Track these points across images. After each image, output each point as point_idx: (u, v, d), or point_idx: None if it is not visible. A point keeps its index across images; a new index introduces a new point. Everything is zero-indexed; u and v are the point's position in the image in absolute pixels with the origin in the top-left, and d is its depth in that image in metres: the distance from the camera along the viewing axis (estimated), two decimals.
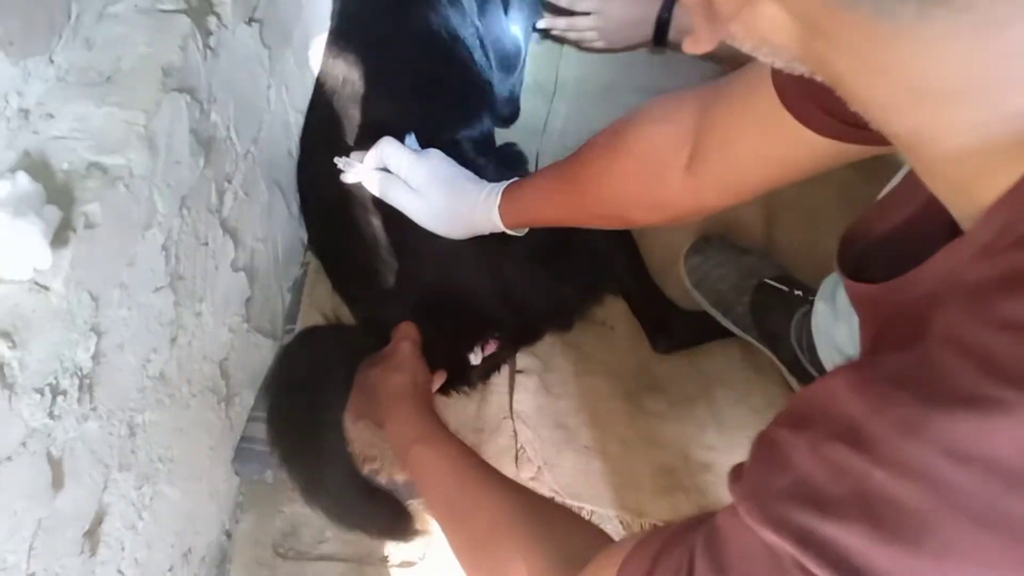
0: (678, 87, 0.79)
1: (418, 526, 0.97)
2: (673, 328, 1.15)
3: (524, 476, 1.06)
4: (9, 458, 0.63)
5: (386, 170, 0.99)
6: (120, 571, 0.84)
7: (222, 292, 0.98)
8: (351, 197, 1.05)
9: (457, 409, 1.11)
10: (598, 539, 0.67)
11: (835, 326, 0.93)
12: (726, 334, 1.14)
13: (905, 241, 0.53)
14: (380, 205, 1.02)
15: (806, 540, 0.37)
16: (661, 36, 1.30)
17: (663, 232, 1.21)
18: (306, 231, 1.22)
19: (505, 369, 1.13)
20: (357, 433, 1.02)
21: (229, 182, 0.96)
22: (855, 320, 0.55)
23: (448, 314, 1.05)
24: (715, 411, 1.09)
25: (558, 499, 1.04)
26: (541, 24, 1.35)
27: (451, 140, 1.10)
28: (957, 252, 0.39)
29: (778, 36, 0.38)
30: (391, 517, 0.96)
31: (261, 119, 1.04)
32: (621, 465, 1.06)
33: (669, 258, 1.20)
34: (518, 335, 1.12)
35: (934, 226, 0.47)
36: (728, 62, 0.99)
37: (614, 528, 1.04)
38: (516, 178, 0.95)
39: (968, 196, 0.38)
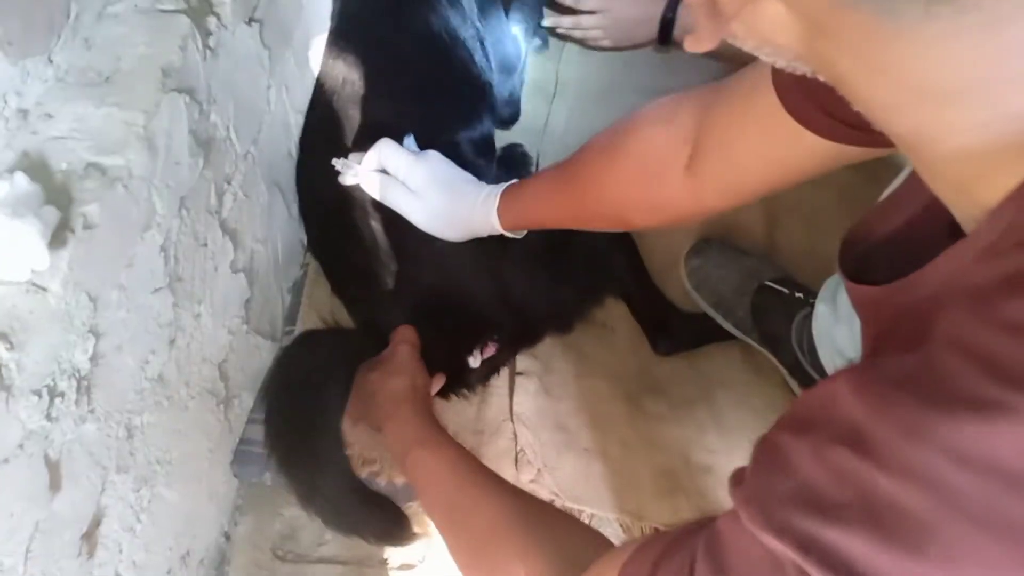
0: (679, 88, 0.79)
1: (417, 529, 0.97)
2: (673, 330, 1.14)
3: (524, 478, 1.05)
4: (6, 460, 0.63)
5: (384, 172, 0.99)
6: (118, 574, 0.84)
7: (221, 293, 0.98)
8: (350, 199, 1.05)
9: (457, 411, 1.11)
10: (597, 543, 0.66)
11: (836, 328, 0.93)
12: (727, 336, 1.14)
13: (907, 243, 0.53)
14: (379, 207, 1.02)
15: (808, 545, 0.36)
16: (665, 35, 1.30)
17: (663, 234, 1.21)
18: (305, 233, 1.21)
19: (505, 371, 1.13)
20: (356, 436, 1.02)
21: (229, 183, 0.95)
22: (856, 322, 0.54)
23: (447, 316, 1.05)
24: (716, 413, 1.09)
25: (558, 501, 1.04)
26: (546, 23, 1.36)
27: (450, 141, 1.09)
28: (960, 254, 0.39)
29: (780, 35, 0.38)
30: (388, 522, 0.95)
31: (261, 120, 1.04)
32: (621, 467, 1.06)
33: (669, 260, 1.19)
34: (517, 337, 1.12)
35: (936, 228, 0.47)
36: (731, 61, 0.99)
37: (614, 531, 1.03)
38: (515, 180, 0.94)
39: (971, 197, 0.38)
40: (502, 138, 1.31)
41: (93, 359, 0.72)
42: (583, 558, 0.61)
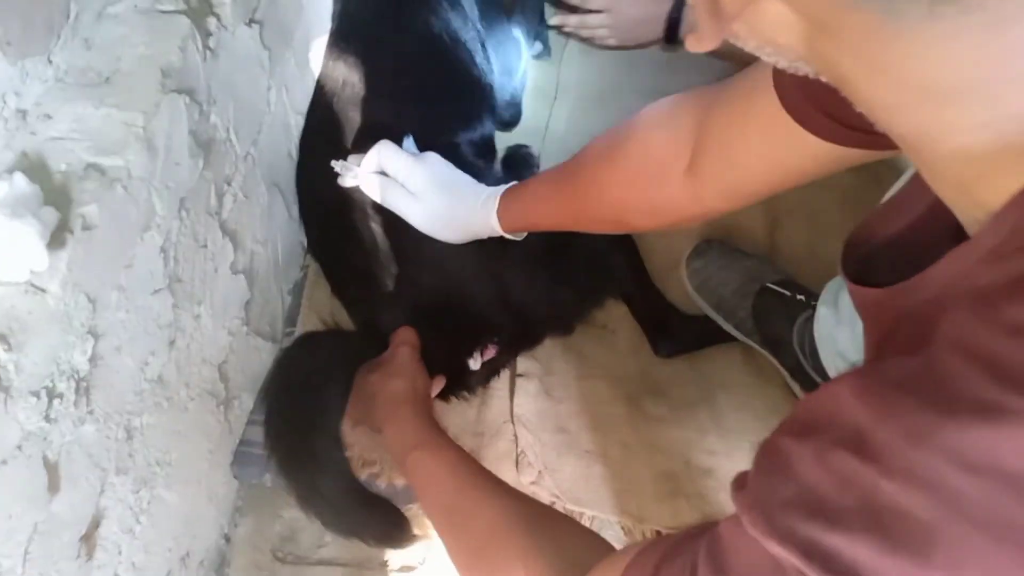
0: (679, 90, 0.78)
1: (417, 531, 0.97)
2: (674, 332, 1.14)
3: (525, 480, 1.05)
4: (4, 462, 0.63)
5: (384, 173, 0.99)
6: (117, 575, 0.83)
7: (221, 295, 0.98)
8: (350, 200, 1.04)
9: (457, 413, 1.11)
10: (598, 547, 0.66)
11: (838, 331, 0.93)
12: (728, 338, 1.13)
13: (910, 245, 0.53)
14: (379, 209, 1.02)
15: (812, 551, 0.36)
16: (672, 34, 1.29)
17: (664, 235, 1.20)
18: (305, 234, 1.21)
19: (505, 373, 1.13)
20: (356, 437, 1.02)
21: (229, 184, 0.95)
22: (858, 325, 0.54)
23: (447, 318, 1.05)
24: (717, 416, 1.08)
25: (559, 504, 1.04)
26: (553, 21, 1.35)
27: (450, 143, 1.09)
28: (964, 256, 0.39)
29: (782, 35, 0.38)
30: (388, 524, 0.95)
31: (261, 121, 1.03)
32: (622, 470, 1.05)
33: (670, 262, 1.19)
34: (518, 339, 1.11)
35: (939, 230, 0.47)
36: (734, 59, 0.99)
37: (615, 534, 1.03)
38: (514, 182, 0.94)
39: (974, 199, 0.37)
40: (507, 139, 1.31)
41: (92, 360, 0.72)
42: (583, 561, 0.61)
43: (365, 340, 1.08)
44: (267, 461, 0.98)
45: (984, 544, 0.32)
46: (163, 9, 0.82)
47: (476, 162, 1.11)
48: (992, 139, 0.34)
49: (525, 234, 0.97)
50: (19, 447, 0.64)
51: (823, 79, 0.40)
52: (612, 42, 1.34)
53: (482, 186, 0.96)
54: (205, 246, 0.91)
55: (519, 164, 1.27)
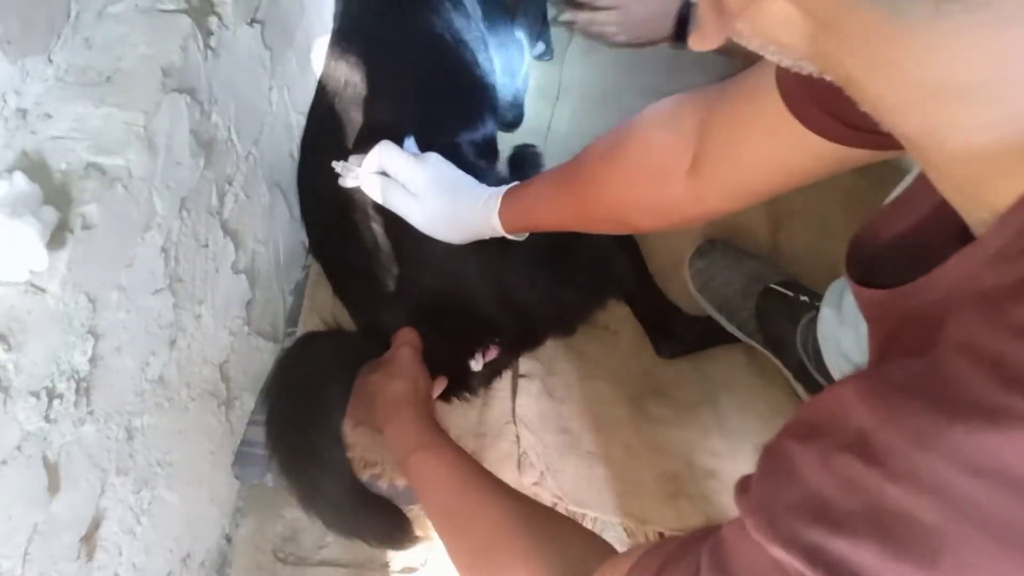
0: (681, 90, 0.78)
1: (419, 533, 0.96)
2: (677, 333, 1.14)
3: (527, 481, 1.05)
4: (4, 462, 0.63)
5: (385, 174, 0.98)
6: None
7: (222, 295, 0.97)
8: (351, 201, 1.04)
9: (459, 414, 1.10)
10: (600, 549, 0.66)
11: (841, 332, 0.92)
12: (731, 339, 1.13)
13: (914, 246, 0.52)
14: (381, 209, 1.01)
15: (816, 557, 0.36)
16: (681, 32, 1.29)
17: (667, 236, 1.20)
18: (307, 234, 1.21)
19: (507, 374, 1.13)
20: (357, 438, 1.01)
21: (230, 184, 0.95)
22: (862, 326, 0.54)
23: (448, 319, 1.05)
24: (720, 417, 1.08)
25: (561, 505, 1.04)
26: (563, 18, 1.35)
27: (452, 143, 1.09)
28: (970, 257, 0.38)
29: (786, 34, 0.37)
30: (390, 525, 0.95)
31: (263, 120, 1.03)
32: (625, 471, 1.05)
33: (673, 262, 1.19)
34: (520, 340, 1.11)
35: (944, 231, 0.46)
36: (738, 56, 0.98)
37: (617, 535, 1.03)
38: (516, 182, 0.94)
39: (981, 199, 0.37)
40: (511, 139, 1.30)
41: (92, 360, 0.72)
42: (585, 563, 0.61)
43: (366, 341, 1.08)
44: (268, 461, 0.97)
45: (990, 548, 0.32)
46: (164, 8, 0.82)
47: (478, 162, 1.11)
48: (998, 139, 0.34)
49: (527, 234, 0.97)
50: (19, 447, 0.64)
51: (827, 78, 0.40)
52: (621, 39, 1.34)
53: (483, 186, 0.96)
54: (206, 246, 0.91)
55: (526, 163, 1.27)
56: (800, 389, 1.06)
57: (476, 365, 1.06)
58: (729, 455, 1.05)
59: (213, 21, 0.86)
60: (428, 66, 1.14)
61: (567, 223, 0.90)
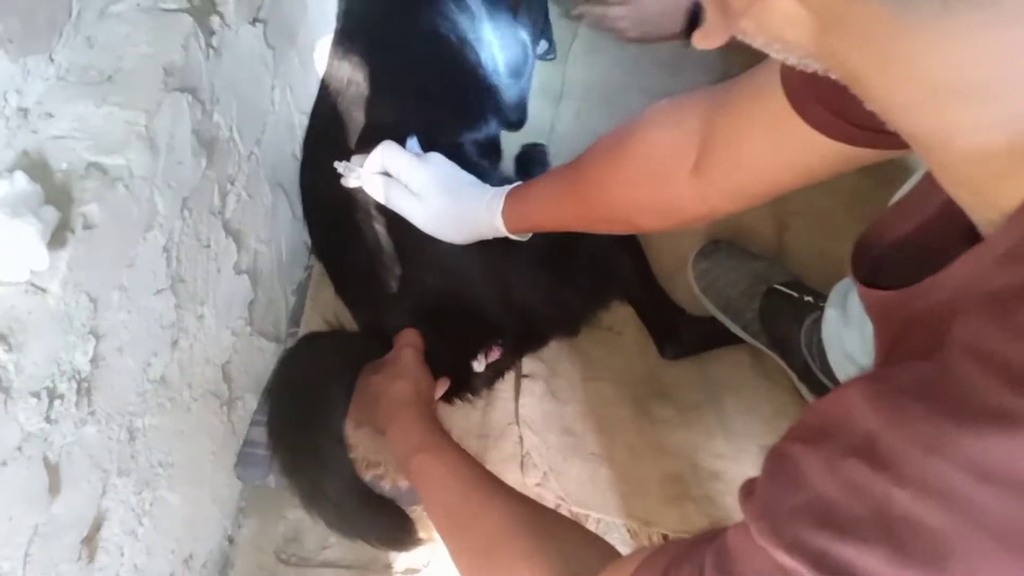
0: (685, 90, 0.77)
1: (422, 535, 0.96)
2: (681, 334, 1.13)
3: (530, 482, 1.05)
4: (4, 463, 0.62)
5: (387, 174, 0.98)
6: None
7: (224, 295, 0.97)
8: (354, 201, 1.04)
9: (461, 415, 1.10)
10: (604, 552, 0.65)
11: (846, 333, 0.92)
12: (735, 340, 1.12)
13: (920, 247, 0.52)
14: (383, 209, 1.01)
15: (822, 562, 0.35)
16: (693, 28, 1.29)
17: (671, 236, 1.20)
18: (309, 234, 1.21)
19: (510, 375, 1.12)
20: (359, 439, 1.01)
21: (232, 183, 0.95)
22: (867, 327, 0.53)
23: (451, 320, 1.04)
24: (724, 418, 1.07)
25: (564, 506, 1.03)
26: (576, 12, 1.35)
27: (454, 143, 1.09)
28: (977, 259, 0.38)
29: (791, 31, 0.37)
30: (392, 526, 0.95)
31: (265, 120, 1.03)
32: (628, 472, 1.05)
33: (677, 263, 1.18)
34: (522, 341, 1.11)
35: (951, 232, 0.46)
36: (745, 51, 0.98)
37: (621, 537, 1.02)
38: (519, 182, 0.94)
39: (988, 199, 0.37)
40: (516, 139, 1.30)
41: (93, 361, 0.72)
42: (588, 565, 0.60)
43: (369, 341, 1.08)
44: (271, 462, 0.97)
45: (1000, 555, 0.31)
46: (166, 7, 0.82)
47: (481, 162, 1.10)
48: (1006, 138, 0.34)
49: (530, 235, 0.97)
50: (19, 448, 0.64)
51: (832, 76, 0.39)
52: (633, 34, 1.33)
53: (486, 186, 0.95)
54: (208, 246, 0.91)
55: (533, 162, 1.27)
56: (805, 390, 1.05)
57: (479, 366, 1.06)
58: (733, 457, 1.04)
59: (215, 20, 0.85)
60: (431, 66, 1.14)
61: (570, 223, 0.90)
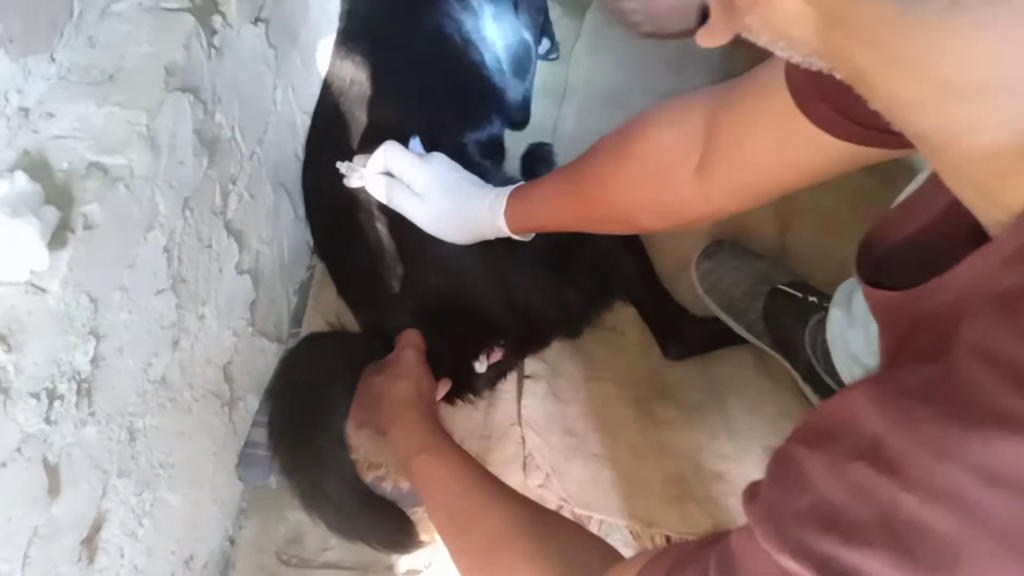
0: (688, 89, 0.77)
1: (423, 536, 0.96)
2: (684, 334, 1.13)
3: (532, 483, 1.04)
4: (3, 464, 0.62)
5: (390, 174, 0.98)
6: None
7: (226, 295, 0.97)
8: (356, 201, 1.04)
9: (463, 416, 1.10)
10: (606, 554, 0.65)
11: (851, 334, 0.91)
12: (738, 340, 1.12)
13: (926, 247, 0.52)
14: (385, 209, 1.01)
15: (826, 567, 0.35)
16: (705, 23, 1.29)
17: (674, 236, 1.19)
18: (311, 235, 1.20)
19: (512, 375, 1.12)
20: (360, 440, 1.01)
21: (234, 183, 0.95)
22: (872, 328, 0.53)
23: (453, 320, 1.04)
24: (727, 419, 1.07)
25: (566, 507, 1.03)
26: (594, 6, 1.35)
27: (457, 143, 1.08)
28: (984, 259, 0.38)
29: (796, 29, 0.37)
30: (394, 527, 0.94)
31: (267, 120, 1.03)
32: (631, 473, 1.04)
33: (680, 263, 1.18)
34: (525, 342, 1.10)
35: (956, 232, 0.46)
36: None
37: (623, 538, 1.02)
38: (521, 182, 0.93)
39: (995, 199, 0.36)
40: (520, 139, 1.30)
41: (94, 361, 0.71)
42: (591, 568, 0.60)
43: (370, 342, 1.08)
44: (272, 463, 0.97)
45: (1008, 559, 0.31)
46: (167, 7, 0.82)
47: (483, 162, 1.10)
48: (1013, 138, 0.33)
49: (532, 235, 0.96)
50: (19, 449, 0.64)
51: (837, 75, 0.39)
52: (646, 29, 1.33)
53: (489, 187, 0.95)
54: (209, 246, 0.91)
55: (538, 162, 1.26)
56: (809, 391, 1.05)
57: (481, 367, 1.06)
58: (737, 458, 1.04)
59: (217, 20, 0.85)
60: (434, 66, 1.14)
61: (573, 223, 0.89)
